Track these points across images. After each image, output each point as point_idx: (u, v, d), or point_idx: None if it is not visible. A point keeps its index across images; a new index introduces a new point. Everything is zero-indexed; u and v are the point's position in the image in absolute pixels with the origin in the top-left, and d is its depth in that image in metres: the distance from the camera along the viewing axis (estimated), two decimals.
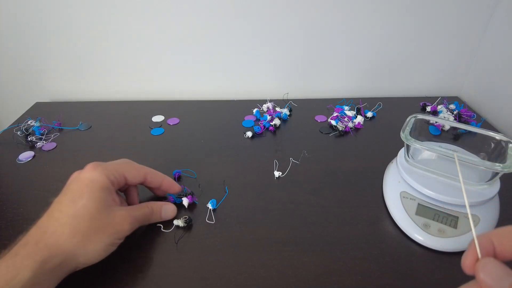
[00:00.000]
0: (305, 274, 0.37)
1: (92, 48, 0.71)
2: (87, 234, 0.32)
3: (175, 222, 0.43)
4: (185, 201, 0.45)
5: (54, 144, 0.60)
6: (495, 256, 0.22)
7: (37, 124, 0.64)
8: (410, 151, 0.45)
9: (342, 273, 0.38)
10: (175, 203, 0.45)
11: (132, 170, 0.39)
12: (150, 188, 0.45)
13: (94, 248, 0.33)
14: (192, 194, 0.46)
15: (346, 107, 0.69)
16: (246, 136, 0.61)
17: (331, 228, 0.43)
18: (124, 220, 0.35)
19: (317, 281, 0.37)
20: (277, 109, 0.69)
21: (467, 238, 0.39)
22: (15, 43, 0.70)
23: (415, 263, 0.38)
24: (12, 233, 0.43)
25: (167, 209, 0.42)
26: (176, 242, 0.41)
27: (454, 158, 0.40)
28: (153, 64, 0.74)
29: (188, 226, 0.43)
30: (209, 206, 0.45)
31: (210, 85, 0.77)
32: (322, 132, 0.63)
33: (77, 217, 0.32)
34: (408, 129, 0.44)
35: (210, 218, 0.44)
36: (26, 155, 0.57)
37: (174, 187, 0.44)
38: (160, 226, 0.42)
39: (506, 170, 0.37)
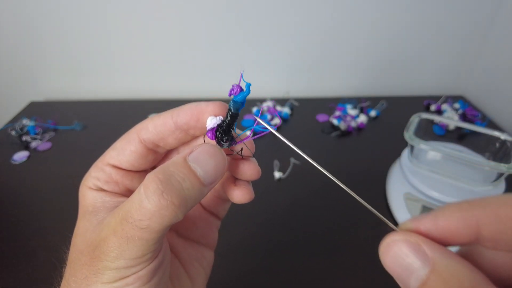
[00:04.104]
0: (306, 278, 0.37)
1: (88, 47, 0.70)
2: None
3: None
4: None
5: (49, 144, 0.59)
6: (477, 241, 0.14)
7: (32, 123, 0.63)
8: (414, 152, 0.44)
9: (345, 276, 0.37)
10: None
11: (117, 146, 0.23)
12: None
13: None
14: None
15: (348, 106, 0.68)
16: None
17: (333, 231, 0.42)
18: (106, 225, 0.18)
19: (319, 285, 0.36)
20: (278, 108, 0.68)
21: None
22: (9, 41, 0.69)
23: None
24: (6, 235, 0.42)
25: (200, 156, 0.18)
26: None
27: (459, 159, 0.39)
28: (150, 63, 0.72)
29: None
30: None
31: (209, 83, 0.76)
32: (323, 132, 0.62)
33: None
34: (412, 129, 0.43)
35: None
36: (21, 155, 0.56)
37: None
38: None
39: (511, 171, 0.36)
